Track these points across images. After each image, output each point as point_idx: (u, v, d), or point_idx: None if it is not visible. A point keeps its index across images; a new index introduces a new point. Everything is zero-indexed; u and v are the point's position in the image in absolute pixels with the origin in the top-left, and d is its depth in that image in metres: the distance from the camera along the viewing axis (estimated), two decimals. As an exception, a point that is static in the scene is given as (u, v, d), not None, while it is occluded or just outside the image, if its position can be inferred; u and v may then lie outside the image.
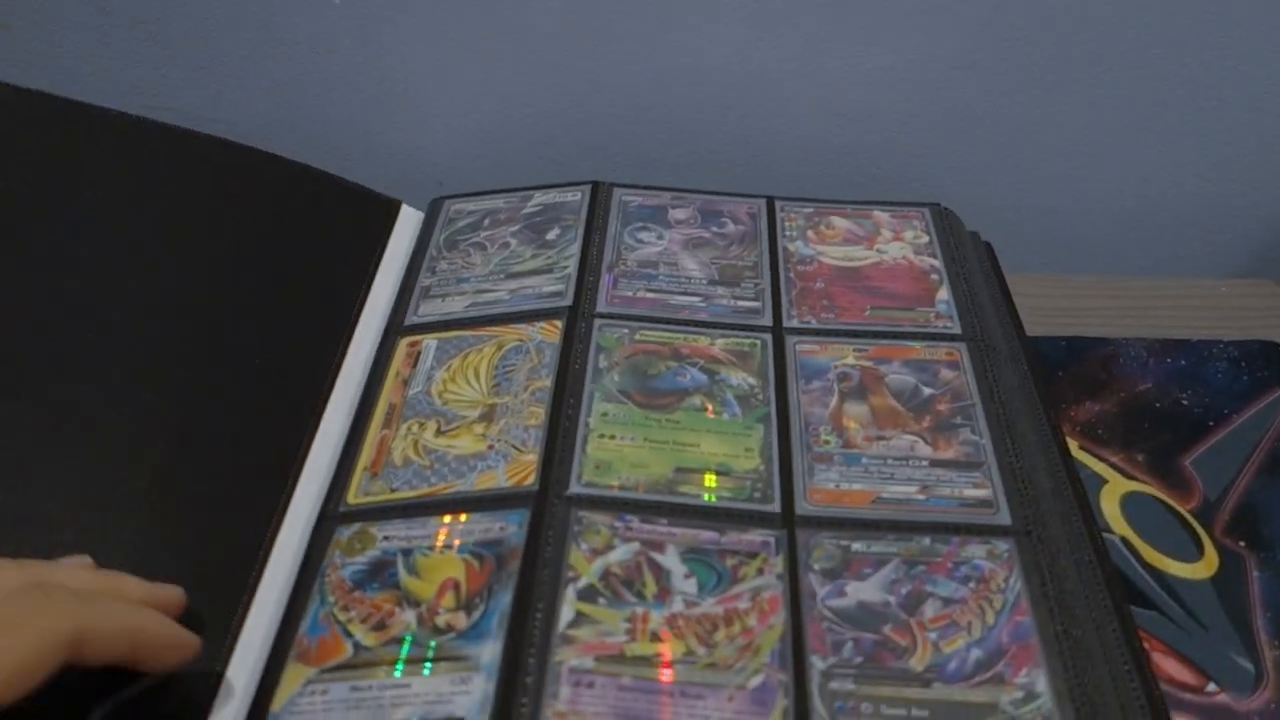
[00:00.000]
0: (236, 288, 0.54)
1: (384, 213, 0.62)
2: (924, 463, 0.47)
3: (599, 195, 0.62)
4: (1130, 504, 0.52)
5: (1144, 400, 0.57)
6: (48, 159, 0.55)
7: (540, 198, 0.62)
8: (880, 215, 0.62)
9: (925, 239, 0.60)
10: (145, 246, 0.54)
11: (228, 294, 0.53)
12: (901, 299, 0.56)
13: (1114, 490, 0.52)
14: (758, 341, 0.52)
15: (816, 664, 0.39)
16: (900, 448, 0.47)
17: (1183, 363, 0.59)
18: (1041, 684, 0.38)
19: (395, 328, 0.54)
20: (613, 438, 0.47)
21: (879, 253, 0.59)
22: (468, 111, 0.70)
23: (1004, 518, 0.44)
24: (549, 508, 0.43)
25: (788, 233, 0.60)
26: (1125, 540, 0.50)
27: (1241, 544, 0.50)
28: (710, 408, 0.49)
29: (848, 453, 0.47)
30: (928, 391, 0.50)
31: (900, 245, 0.59)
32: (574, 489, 0.44)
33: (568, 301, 0.54)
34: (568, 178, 0.64)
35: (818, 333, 0.53)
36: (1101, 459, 0.54)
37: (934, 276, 0.57)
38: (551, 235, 0.59)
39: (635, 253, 0.57)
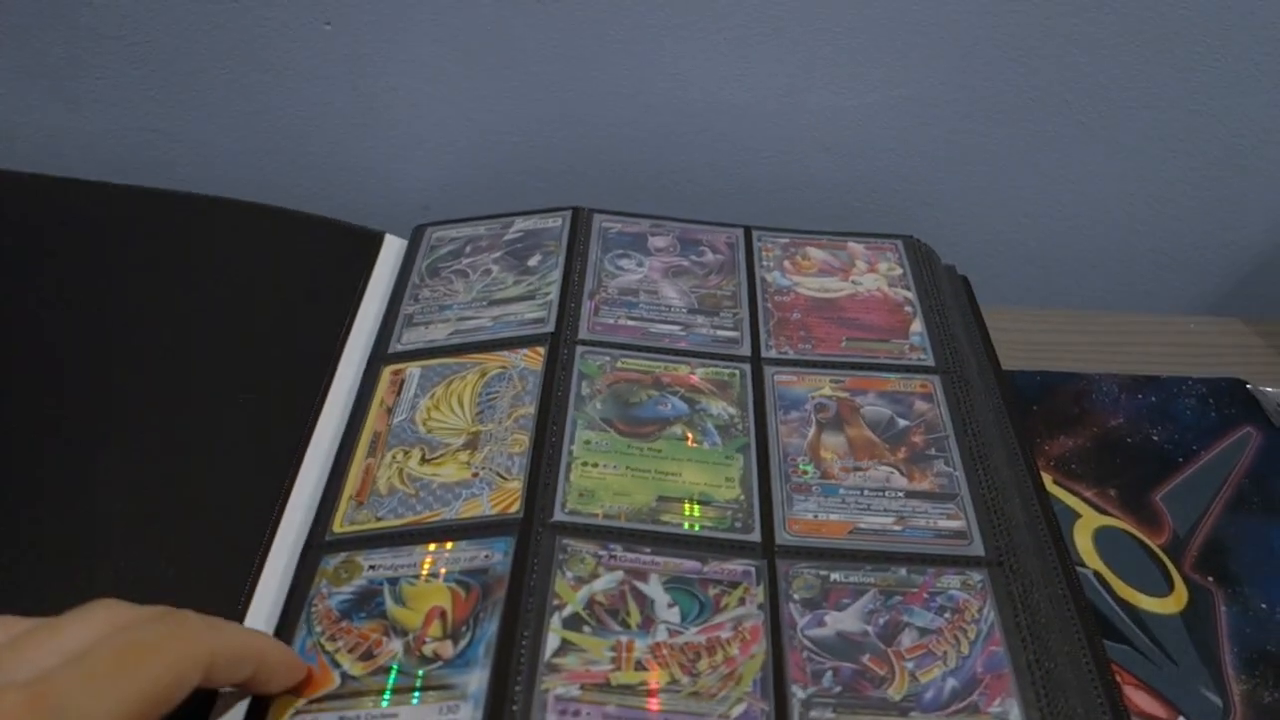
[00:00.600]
0: (224, 330, 0.55)
1: (367, 245, 0.62)
2: (899, 494, 0.48)
3: (579, 221, 0.62)
4: (1102, 538, 0.52)
5: (1116, 435, 0.58)
6: (45, 235, 0.59)
7: (521, 224, 0.63)
8: (855, 247, 0.63)
9: (899, 271, 0.61)
10: (143, 300, 0.56)
11: (216, 336, 0.55)
12: (876, 331, 0.57)
13: (1087, 524, 0.53)
14: (737, 371, 0.53)
15: (797, 693, 0.39)
16: (876, 479, 0.48)
17: (1153, 399, 0.60)
18: (1015, 713, 0.39)
19: (379, 356, 0.55)
20: (595, 466, 0.47)
21: (854, 284, 0.60)
22: (453, 138, 0.70)
23: (977, 548, 0.45)
24: (534, 536, 0.44)
25: (765, 263, 0.61)
26: (1098, 574, 0.51)
27: (1210, 579, 0.51)
28: (691, 437, 0.49)
29: (825, 483, 0.48)
30: (903, 423, 0.51)
31: (875, 277, 0.60)
32: (558, 516, 0.45)
33: (550, 328, 0.54)
34: (551, 204, 0.64)
35: (795, 363, 0.54)
36: (1075, 493, 0.55)
37: (908, 309, 0.58)
38: (533, 262, 0.59)
39: (616, 280, 0.58)
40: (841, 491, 0.48)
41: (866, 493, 0.48)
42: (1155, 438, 0.58)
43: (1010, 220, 0.74)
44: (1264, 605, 0.49)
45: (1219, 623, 0.49)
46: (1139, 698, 0.46)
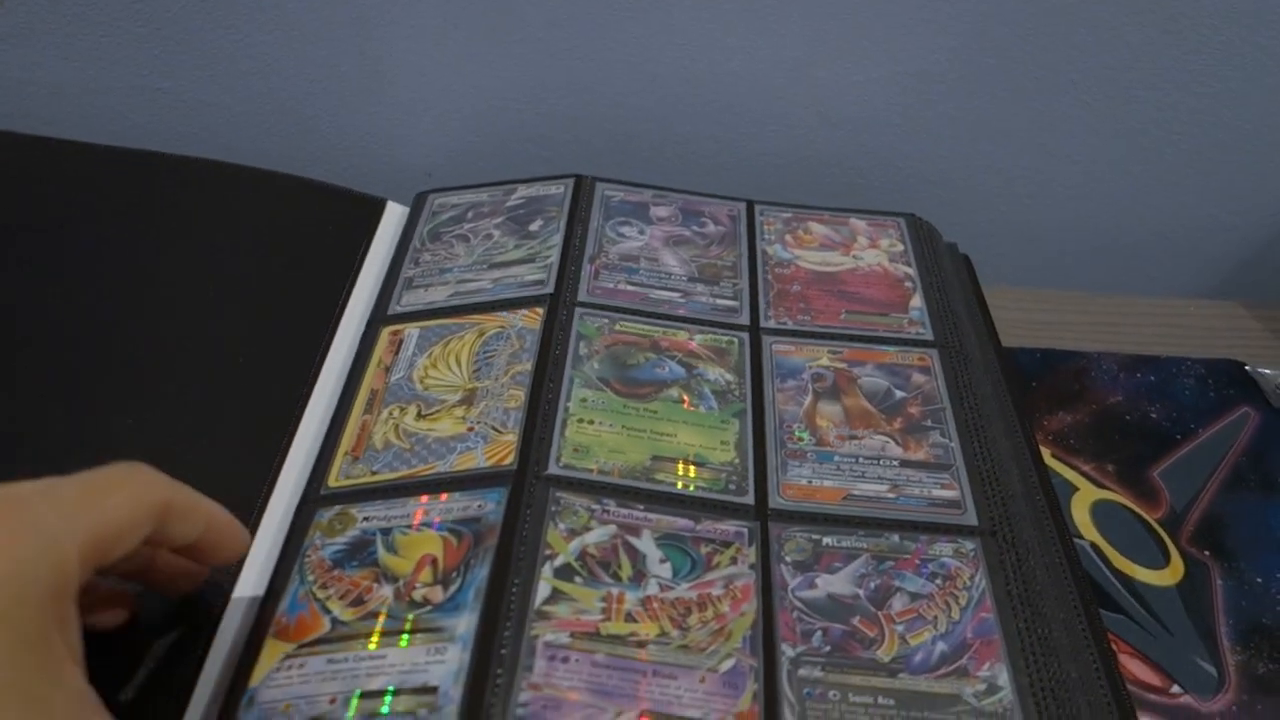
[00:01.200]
0: (228, 291, 0.55)
1: (368, 211, 0.62)
2: (894, 463, 0.47)
3: (582, 189, 0.62)
4: (1100, 511, 0.52)
5: (1115, 413, 0.58)
6: (49, 195, 0.59)
7: (524, 191, 0.62)
8: (857, 223, 0.63)
9: (900, 247, 0.61)
10: (145, 262, 0.56)
11: (217, 298, 0.55)
12: (876, 305, 0.56)
13: (1084, 498, 0.53)
14: (735, 339, 0.53)
15: (786, 651, 0.39)
16: (872, 448, 0.48)
17: (1152, 378, 0.60)
18: (1004, 678, 0.39)
19: (378, 318, 0.55)
20: (591, 423, 0.47)
21: (855, 259, 0.60)
22: (457, 104, 0.70)
23: (971, 518, 0.45)
24: (527, 487, 0.44)
25: (766, 236, 0.61)
26: (1094, 546, 0.51)
27: (1206, 553, 0.51)
28: (687, 400, 0.49)
29: (820, 450, 0.48)
30: (899, 394, 0.51)
31: (876, 252, 0.60)
32: (552, 470, 0.45)
33: (549, 290, 0.54)
34: (554, 173, 0.64)
35: (794, 334, 0.54)
36: (1073, 467, 0.54)
37: (908, 284, 0.58)
38: (534, 227, 0.59)
39: (617, 246, 0.58)
40: (836, 459, 0.47)
41: (861, 460, 0.47)
42: (1154, 416, 0.58)
43: (1013, 200, 0.74)
44: (1259, 580, 0.49)
45: (1215, 595, 0.49)
46: (1134, 666, 0.46)
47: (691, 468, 0.46)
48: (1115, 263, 0.77)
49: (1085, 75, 0.66)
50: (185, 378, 0.50)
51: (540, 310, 0.53)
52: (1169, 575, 0.50)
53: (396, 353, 0.52)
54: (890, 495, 0.46)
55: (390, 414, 0.48)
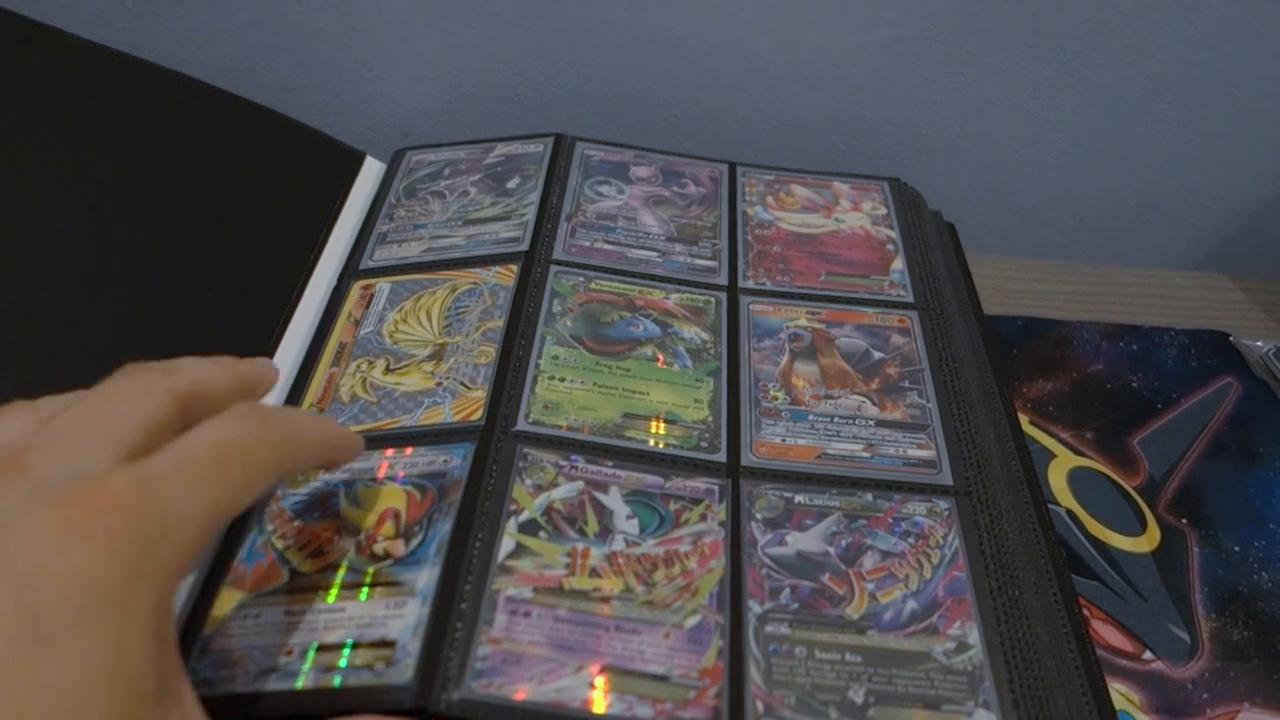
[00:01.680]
0: (197, 224, 0.53)
1: (348, 163, 0.61)
2: (870, 422, 0.47)
3: (561, 147, 0.61)
4: (1077, 478, 0.52)
5: (1095, 381, 0.57)
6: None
7: (502, 149, 0.62)
8: (840, 186, 0.62)
9: (883, 210, 0.60)
10: (111, 178, 0.53)
11: (188, 230, 0.53)
12: (857, 266, 0.56)
13: (1062, 464, 0.52)
14: (713, 299, 0.52)
15: (753, 608, 0.38)
16: (848, 407, 0.48)
17: (1134, 347, 0.60)
18: (974, 636, 0.38)
19: (350, 271, 0.54)
20: (562, 380, 0.47)
21: (837, 221, 0.59)
22: (435, 62, 0.69)
23: (946, 478, 0.44)
24: (494, 443, 0.43)
25: (748, 197, 0.60)
26: (1070, 512, 0.50)
27: (1184, 521, 0.50)
28: (661, 358, 0.48)
29: (795, 409, 0.47)
30: (878, 355, 0.50)
31: (858, 215, 0.59)
32: (521, 426, 0.44)
33: (524, 247, 0.53)
34: (533, 134, 0.63)
35: (772, 294, 0.53)
36: (1051, 434, 0.54)
37: (890, 247, 0.57)
38: (512, 184, 0.58)
39: (595, 205, 0.57)
40: (811, 418, 0.47)
41: (836, 420, 0.47)
42: (1135, 385, 0.57)
43: (999, 169, 0.73)
44: (1237, 548, 0.49)
45: (1191, 563, 0.48)
46: (1106, 632, 0.45)
47: (663, 425, 0.45)
48: (1101, 234, 0.76)
49: (1074, 42, 0.66)
50: (149, 314, 0.48)
51: (515, 267, 0.52)
52: (1145, 542, 0.49)
53: (367, 307, 0.51)
54: (865, 454, 0.45)
55: (358, 367, 0.48)
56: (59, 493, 0.26)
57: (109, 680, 0.24)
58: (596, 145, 0.62)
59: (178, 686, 0.27)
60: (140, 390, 0.31)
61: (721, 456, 0.44)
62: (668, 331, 0.50)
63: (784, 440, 0.46)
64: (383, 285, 0.52)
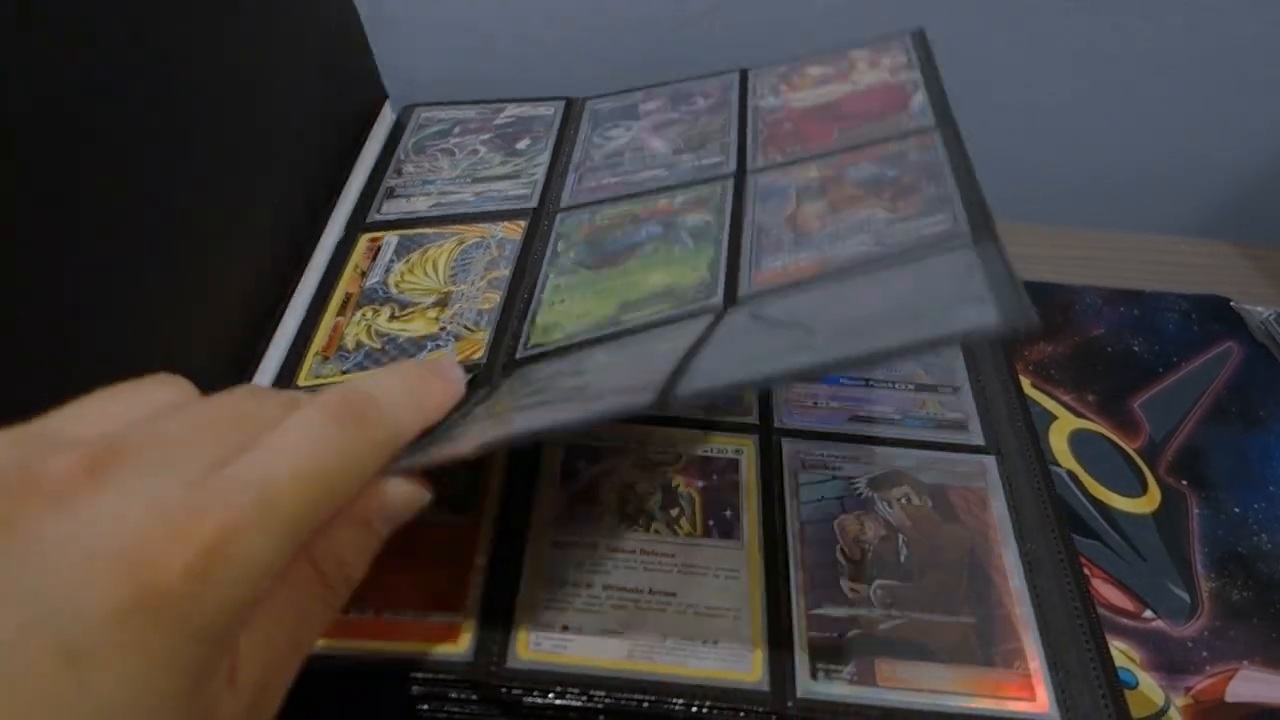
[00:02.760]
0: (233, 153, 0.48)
1: (369, 105, 0.61)
2: (880, 223, 0.41)
3: (572, 110, 0.61)
4: (1078, 440, 0.52)
5: (1097, 345, 0.58)
6: None
7: (512, 110, 0.61)
8: (858, 52, 0.56)
9: (904, 59, 0.54)
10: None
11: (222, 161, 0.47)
12: (873, 114, 0.50)
13: (1063, 426, 0.53)
14: (719, 187, 0.49)
15: None
16: (856, 220, 0.42)
17: (1136, 312, 0.60)
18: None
19: (357, 224, 0.54)
20: (562, 302, 0.46)
21: (853, 84, 0.54)
22: (444, 23, 0.69)
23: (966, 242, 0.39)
24: (494, 377, 0.43)
25: (759, 92, 0.56)
26: (1071, 474, 0.50)
27: (1184, 483, 0.50)
28: (662, 250, 0.46)
29: (800, 239, 0.43)
30: (892, 174, 0.45)
31: (877, 72, 0.54)
32: (520, 354, 0.43)
33: (533, 204, 0.53)
34: (540, 94, 0.63)
35: (782, 165, 0.49)
36: (1053, 396, 0.54)
37: (909, 86, 0.51)
38: (521, 145, 0.58)
39: (602, 149, 0.56)
40: (816, 239, 0.42)
41: (844, 230, 0.42)
42: (1136, 348, 0.57)
43: (998, 133, 0.73)
44: (1237, 510, 0.49)
45: (1191, 524, 0.49)
46: (1107, 591, 0.46)
47: (661, 301, 0.43)
48: (1104, 199, 0.76)
49: (1077, 4, 0.65)
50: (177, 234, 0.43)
51: (522, 223, 0.52)
52: (1145, 503, 0.49)
53: (374, 259, 0.51)
54: (875, 248, 0.40)
55: (364, 315, 0.48)
56: (132, 539, 0.23)
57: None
58: (605, 98, 0.61)
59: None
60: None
61: (718, 299, 0.41)
62: (670, 227, 0.48)
63: (785, 266, 0.41)
64: (390, 238, 0.52)
